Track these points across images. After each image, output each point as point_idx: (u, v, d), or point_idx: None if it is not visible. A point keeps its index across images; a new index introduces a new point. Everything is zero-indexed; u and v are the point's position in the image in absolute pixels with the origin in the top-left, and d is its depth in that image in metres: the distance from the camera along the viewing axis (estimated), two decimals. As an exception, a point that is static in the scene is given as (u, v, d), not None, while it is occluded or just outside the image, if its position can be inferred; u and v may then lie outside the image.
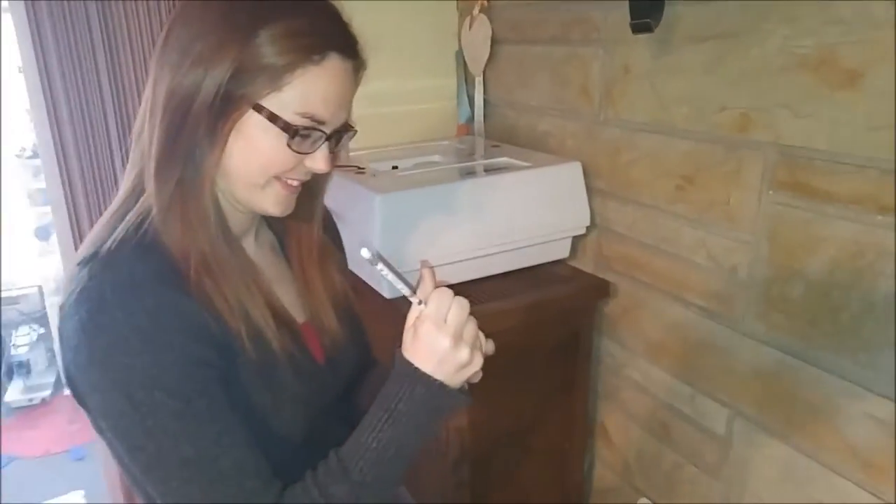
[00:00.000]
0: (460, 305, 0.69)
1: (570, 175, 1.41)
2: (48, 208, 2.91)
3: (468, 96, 1.83)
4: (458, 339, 0.69)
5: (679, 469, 1.34)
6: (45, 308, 3.19)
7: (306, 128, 0.66)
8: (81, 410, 0.69)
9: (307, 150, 0.68)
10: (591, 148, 1.43)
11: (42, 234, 3.04)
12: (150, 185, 0.67)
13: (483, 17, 1.69)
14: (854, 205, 0.95)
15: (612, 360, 1.48)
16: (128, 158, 0.72)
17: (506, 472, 1.45)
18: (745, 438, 1.19)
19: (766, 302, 1.10)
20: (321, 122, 0.67)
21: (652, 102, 1.26)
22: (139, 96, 1.50)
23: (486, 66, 1.72)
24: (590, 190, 1.43)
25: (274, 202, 0.71)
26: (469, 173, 1.42)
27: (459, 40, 1.81)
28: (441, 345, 0.68)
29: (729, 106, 1.11)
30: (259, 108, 0.65)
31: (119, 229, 0.67)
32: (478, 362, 0.71)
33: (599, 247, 1.46)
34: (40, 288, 3.20)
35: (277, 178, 0.69)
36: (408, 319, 0.72)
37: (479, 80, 1.76)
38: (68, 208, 1.54)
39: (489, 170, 1.43)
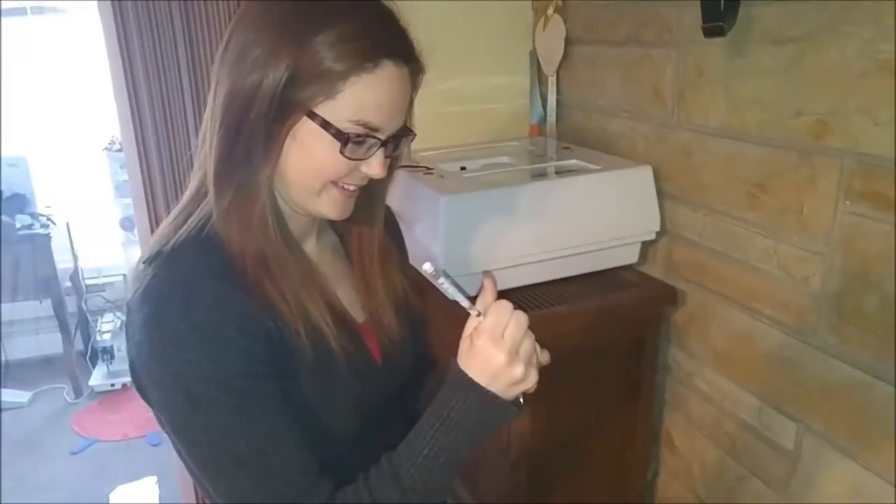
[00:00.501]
0: (518, 321, 0.69)
1: (640, 179, 1.40)
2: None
3: (541, 96, 1.83)
4: (513, 355, 0.68)
5: (743, 481, 1.31)
6: (129, 296, 3.37)
7: (359, 135, 0.67)
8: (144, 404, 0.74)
9: (361, 157, 0.69)
10: (662, 151, 1.41)
11: (127, 224, 3.15)
12: (210, 189, 0.69)
13: (557, 16, 1.69)
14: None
15: (679, 369, 1.46)
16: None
17: (565, 475, 1.46)
18: (813, 454, 1.14)
19: (838, 315, 1.06)
20: (375, 129, 0.68)
21: (725, 106, 1.23)
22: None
23: (560, 66, 1.72)
24: (660, 194, 1.41)
25: (330, 207, 0.72)
26: (538, 175, 1.43)
27: (533, 40, 1.82)
28: (497, 360, 0.68)
29: (805, 111, 1.07)
30: (312, 115, 0.65)
31: (183, 229, 0.70)
32: (532, 379, 0.70)
33: (669, 253, 1.43)
34: (125, 276, 3.31)
35: (333, 183, 0.70)
36: (465, 329, 0.72)
37: (552, 80, 1.76)
38: (147, 201, 1.63)
39: (559, 172, 1.43)
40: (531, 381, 0.70)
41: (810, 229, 1.09)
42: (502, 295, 0.72)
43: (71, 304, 3.27)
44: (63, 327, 3.13)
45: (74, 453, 2.74)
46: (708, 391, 1.37)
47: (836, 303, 1.06)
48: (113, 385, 3.17)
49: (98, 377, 3.20)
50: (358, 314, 0.83)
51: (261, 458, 0.66)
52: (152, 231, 1.65)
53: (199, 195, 0.73)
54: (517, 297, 1.34)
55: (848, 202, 1.02)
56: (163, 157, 1.61)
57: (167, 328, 0.65)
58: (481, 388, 0.69)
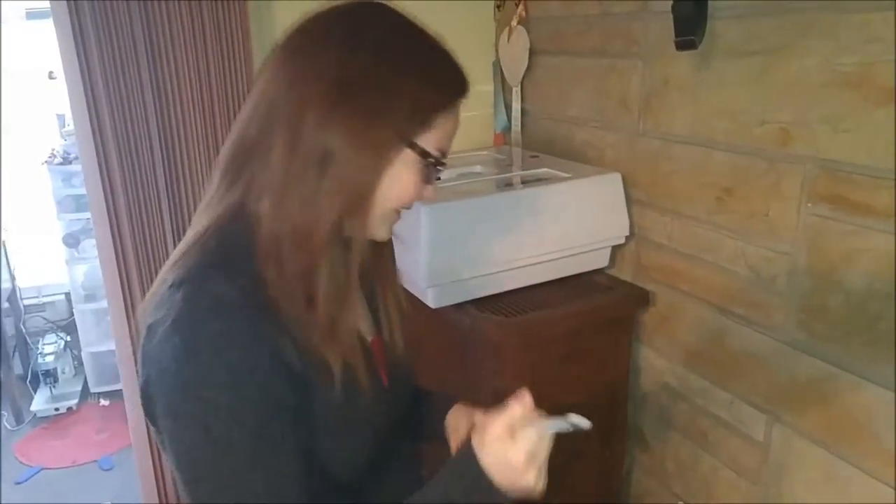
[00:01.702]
0: (541, 428, 0.72)
1: (610, 186, 1.45)
2: (77, 215, 2.96)
3: (505, 106, 1.87)
4: (531, 459, 0.70)
5: (717, 473, 1.37)
6: (72, 315, 3.15)
7: (437, 163, 0.72)
8: (151, 427, 0.71)
9: (430, 182, 0.74)
10: (630, 159, 1.47)
11: (70, 240, 2.98)
12: (274, 207, 0.68)
13: (521, 28, 1.73)
14: (892, 218, 0.97)
15: (650, 368, 1.51)
16: (169, 164, 0.74)
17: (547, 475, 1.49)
18: (783, 444, 1.21)
19: (805, 311, 1.13)
20: (444, 156, 0.74)
21: (692, 115, 1.29)
22: (181, 98, 1.52)
23: (524, 76, 1.76)
24: (629, 200, 1.46)
25: (388, 230, 0.76)
26: (511, 184, 1.47)
27: (497, 51, 1.85)
28: (516, 460, 0.70)
29: (769, 120, 1.14)
30: (413, 146, 0.69)
31: (212, 251, 0.69)
32: (540, 486, 0.72)
33: (638, 256, 1.49)
34: (68, 295, 3.16)
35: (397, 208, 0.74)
36: (495, 423, 0.72)
37: (516, 90, 1.80)
38: (109, 215, 1.56)
39: (530, 181, 1.47)
40: (539, 489, 0.72)
41: (776, 231, 1.16)
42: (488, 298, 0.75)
43: (9, 326, 3.11)
44: (0, 350, 2.97)
45: (20, 483, 2.60)
46: (679, 388, 1.43)
47: (803, 300, 1.13)
48: (57, 409, 3.02)
49: (40, 402, 3.03)
50: (367, 332, 0.83)
51: (266, 501, 0.65)
52: (115, 246, 1.59)
53: (233, 214, 0.71)
54: (496, 304, 1.37)
55: (810, 205, 1.09)
56: (125, 168, 1.55)
57: (200, 364, 0.63)
58: (498, 491, 0.71)
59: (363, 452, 0.77)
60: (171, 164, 1.57)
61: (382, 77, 0.67)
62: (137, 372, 0.70)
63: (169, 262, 0.72)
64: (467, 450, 0.72)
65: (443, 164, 0.73)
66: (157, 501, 1.72)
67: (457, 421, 0.89)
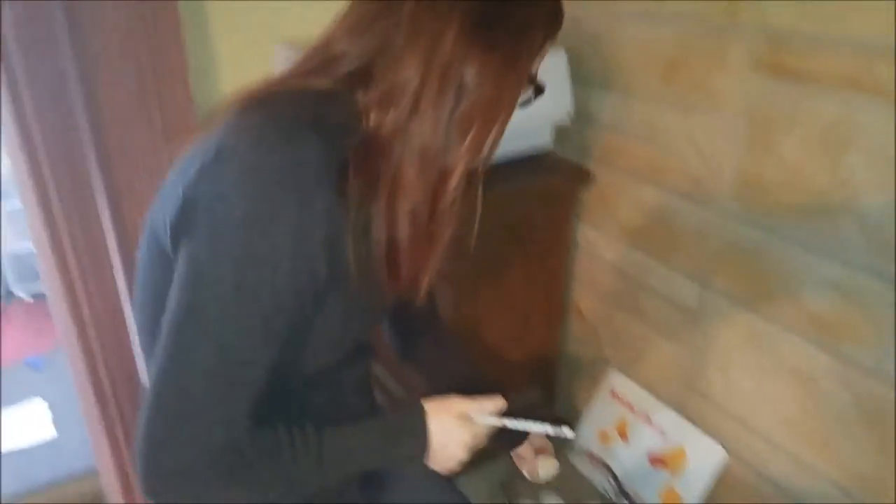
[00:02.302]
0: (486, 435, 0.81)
1: (553, 63, 1.43)
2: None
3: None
4: (471, 445, 0.78)
5: (649, 341, 1.46)
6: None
7: (537, 90, 0.76)
8: (159, 256, 0.66)
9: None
10: (575, 36, 1.45)
11: None
12: (411, 123, 0.62)
13: None
14: (830, 84, 1.01)
15: (589, 245, 1.56)
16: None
17: (487, 350, 1.54)
18: (713, 309, 1.30)
19: (741, 182, 1.18)
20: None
21: (641, -12, 1.28)
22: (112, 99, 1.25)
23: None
24: (573, 79, 1.45)
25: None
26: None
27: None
28: (460, 439, 0.77)
29: (718, -10, 1.14)
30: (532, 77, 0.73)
31: (303, 107, 0.63)
32: (454, 470, 0.80)
33: (582, 136, 1.50)
34: None
35: None
36: (461, 403, 0.79)
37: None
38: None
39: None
40: (452, 471, 0.80)
41: (718, 104, 1.19)
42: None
43: None
44: None
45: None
46: (617, 262, 1.49)
47: (740, 171, 1.18)
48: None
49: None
50: None
51: (241, 368, 0.62)
52: (51, 239, 1.29)
53: (328, 93, 0.65)
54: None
55: (753, 74, 1.12)
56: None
57: (265, 205, 0.58)
58: (427, 456, 0.76)
59: (330, 361, 0.76)
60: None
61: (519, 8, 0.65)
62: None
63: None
64: (420, 408, 0.76)
65: (541, 91, 0.75)
66: (95, 400, 1.67)
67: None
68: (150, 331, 0.71)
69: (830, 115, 1.02)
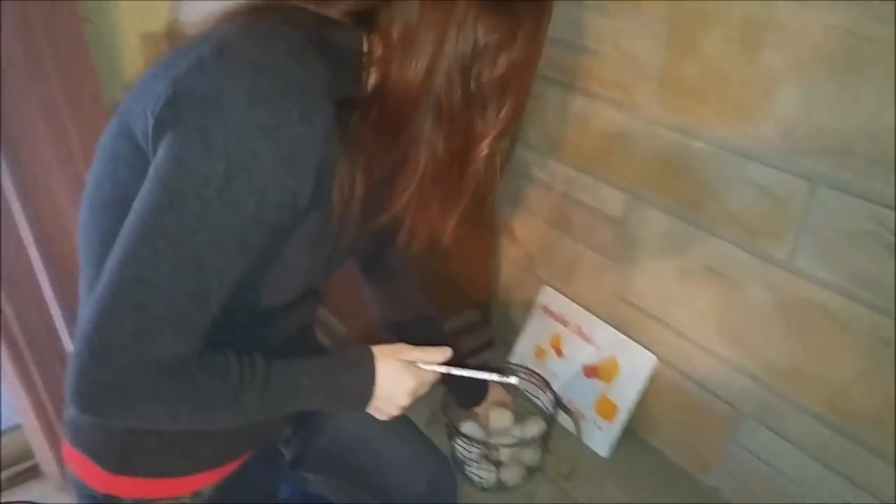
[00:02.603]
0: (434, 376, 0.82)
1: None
2: None
3: None
4: (415, 393, 0.79)
5: (578, 255, 1.47)
6: None
7: None
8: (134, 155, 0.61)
9: None
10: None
11: None
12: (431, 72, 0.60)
13: None
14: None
15: (518, 163, 1.54)
16: None
17: (420, 275, 1.52)
18: (638, 218, 1.30)
19: (663, 85, 1.17)
20: None
21: None
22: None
23: None
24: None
25: None
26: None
27: None
28: (405, 387, 0.77)
29: None
30: None
31: (306, 27, 0.60)
32: (393, 415, 0.80)
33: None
34: None
35: None
36: (411, 350, 0.80)
37: None
38: None
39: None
40: (391, 416, 0.80)
41: (641, 6, 1.15)
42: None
43: None
44: None
45: None
46: (545, 178, 1.48)
47: (662, 73, 1.16)
48: None
49: None
50: None
51: (208, 280, 0.57)
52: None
53: (332, 22, 0.62)
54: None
55: (673, -26, 1.09)
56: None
57: (274, 105, 0.54)
58: (372, 397, 0.76)
59: (284, 298, 0.72)
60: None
61: None
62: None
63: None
64: (368, 350, 0.76)
65: None
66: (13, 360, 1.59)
67: None
68: (102, 241, 0.64)
69: (746, 11, 1.00)
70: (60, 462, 1.43)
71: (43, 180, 1.16)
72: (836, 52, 0.92)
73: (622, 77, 1.23)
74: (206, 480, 0.80)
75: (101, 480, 0.75)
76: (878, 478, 1.03)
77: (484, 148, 0.66)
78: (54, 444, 1.45)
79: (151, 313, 0.55)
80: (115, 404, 0.58)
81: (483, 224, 1.58)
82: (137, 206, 0.56)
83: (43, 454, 1.48)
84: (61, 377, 1.33)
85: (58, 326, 1.32)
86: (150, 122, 0.57)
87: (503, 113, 0.65)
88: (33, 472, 1.51)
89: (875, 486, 1.04)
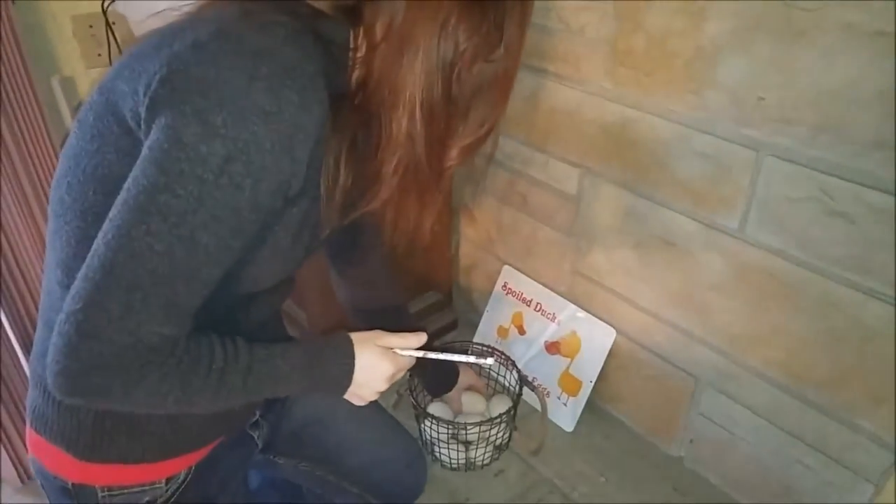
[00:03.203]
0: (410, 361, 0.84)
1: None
2: None
3: None
4: (392, 378, 0.81)
5: (536, 233, 1.47)
6: None
7: None
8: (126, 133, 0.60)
9: None
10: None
11: None
12: (411, 70, 0.61)
13: None
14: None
15: (471, 142, 1.52)
16: None
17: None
18: (591, 193, 1.30)
19: (612, 59, 1.16)
20: None
21: None
22: None
23: None
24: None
25: None
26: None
27: None
28: (382, 372, 0.79)
29: None
30: None
31: (301, 16, 0.61)
32: (370, 400, 0.82)
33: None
34: None
35: None
36: (390, 337, 0.81)
37: None
38: None
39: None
40: (367, 401, 0.83)
41: (585, -22, 1.14)
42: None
43: None
44: None
45: None
46: (499, 157, 1.46)
47: (610, 47, 1.15)
48: None
49: None
50: None
51: (200, 262, 0.57)
52: None
53: (316, 13, 0.63)
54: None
55: (616, -54, 1.08)
56: None
57: (274, 91, 0.55)
58: (351, 383, 0.77)
59: (265, 283, 0.72)
60: None
61: None
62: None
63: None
64: (346, 337, 0.78)
65: None
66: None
67: None
68: (83, 217, 0.63)
69: (689, -20, 1.00)
70: (17, 464, 1.40)
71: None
72: (776, 22, 0.92)
73: (568, 49, 1.22)
74: (179, 466, 0.80)
75: (72, 469, 0.74)
76: (833, 438, 1.06)
77: (461, 152, 0.68)
78: (8, 446, 1.41)
79: (142, 293, 0.55)
80: (100, 386, 0.57)
81: (443, 205, 1.57)
82: (131, 185, 0.55)
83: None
84: (9, 375, 1.30)
85: (3, 321, 1.28)
86: (143, 101, 0.56)
87: (482, 118, 0.68)
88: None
89: (829, 446, 1.07)
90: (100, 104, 0.62)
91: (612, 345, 1.37)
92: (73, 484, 0.75)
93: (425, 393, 1.34)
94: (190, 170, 0.54)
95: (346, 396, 0.80)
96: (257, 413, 0.94)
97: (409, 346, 0.83)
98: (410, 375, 1.30)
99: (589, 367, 1.40)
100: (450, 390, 1.32)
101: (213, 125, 0.53)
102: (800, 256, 1.01)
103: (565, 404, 1.43)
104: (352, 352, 0.77)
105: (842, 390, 1.02)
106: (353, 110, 0.63)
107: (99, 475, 0.75)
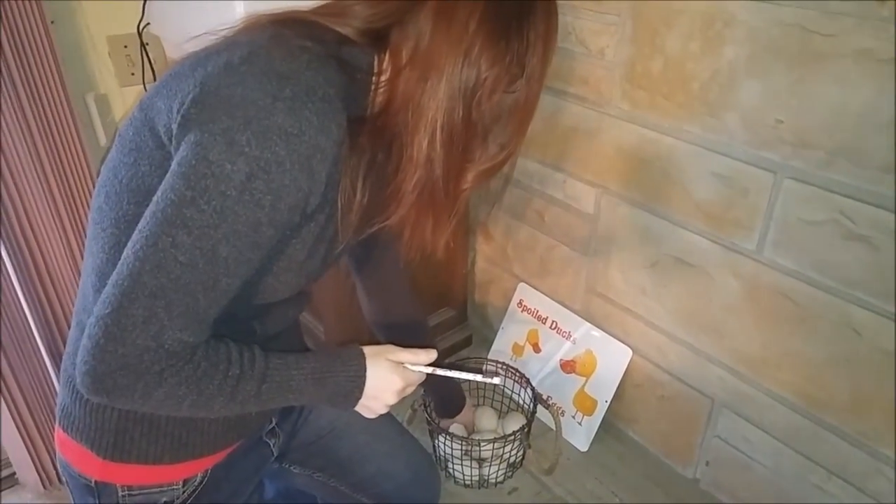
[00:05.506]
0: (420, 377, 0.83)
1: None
2: None
3: None
4: (402, 392, 0.80)
5: (552, 251, 1.47)
6: None
7: None
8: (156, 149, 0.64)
9: None
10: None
11: None
12: (434, 95, 0.62)
13: None
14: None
15: (490, 160, 1.54)
16: None
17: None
18: (609, 213, 1.31)
19: (629, 81, 1.17)
20: None
21: None
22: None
23: None
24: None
25: None
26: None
27: None
28: (392, 387, 0.79)
29: None
30: None
31: (322, 42, 0.63)
32: (379, 413, 0.83)
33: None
34: None
35: None
36: (401, 352, 0.81)
37: None
38: None
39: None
40: (377, 414, 0.83)
41: (605, 5, 1.16)
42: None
43: None
44: None
45: None
46: (517, 176, 1.48)
47: (628, 70, 1.17)
48: None
49: None
50: None
51: (221, 273, 0.60)
52: None
53: (342, 40, 0.65)
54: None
55: (635, -29, 1.10)
56: None
57: (296, 112, 0.57)
58: (362, 396, 0.78)
59: (281, 295, 0.74)
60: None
61: None
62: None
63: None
64: (359, 350, 0.78)
65: None
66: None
67: None
68: (117, 226, 0.67)
69: (704, 8, 1.01)
70: (41, 470, 1.42)
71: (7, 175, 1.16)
72: (793, 48, 0.93)
73: (587, 72, 1.24)
74: (195, 468, 0.82)
75: (96, 467, 0.77)
76: (851, 463, 1.05)
77: (478, 176, 0.70)
78: (33, 452, 1.44)
79: (165, 300, 0.58)
80: (123, 387, 0.60)
81: (457, 222, 1.58)
82: (160, 198, 0.59)
83: (21, 463, 1.47)
84: (38, 383, 1.33)
85: (34, 330, 1.31)
86: (176, 118, 0.60)
87: (501, 145, 0.69)
88: (10, 481, 1.50)
89: (849, 472, 1.06)
90: (139, 120, 0.66)
91: (628, 364, 1.37)
92: (95, 482, 0.77)
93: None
94: (214, 186, 0.57)
95: (357, 409, 0.81)
96: (273, 420, 0.95)
97: (419, 362, 0.84)
98: (424, 391, 1.31)
99: (604, 387, 1.40)
100: (457, 414, 1.33)
101: (238, 144, 0.56)
102: (818, 279, 1.01)
103: (580, 423, 1.42)
104: (363, 365, 0.78)
105: (862, 416, 1.02)
106: (375, 132, 0.66)
107: (120, 474, 0.77)
